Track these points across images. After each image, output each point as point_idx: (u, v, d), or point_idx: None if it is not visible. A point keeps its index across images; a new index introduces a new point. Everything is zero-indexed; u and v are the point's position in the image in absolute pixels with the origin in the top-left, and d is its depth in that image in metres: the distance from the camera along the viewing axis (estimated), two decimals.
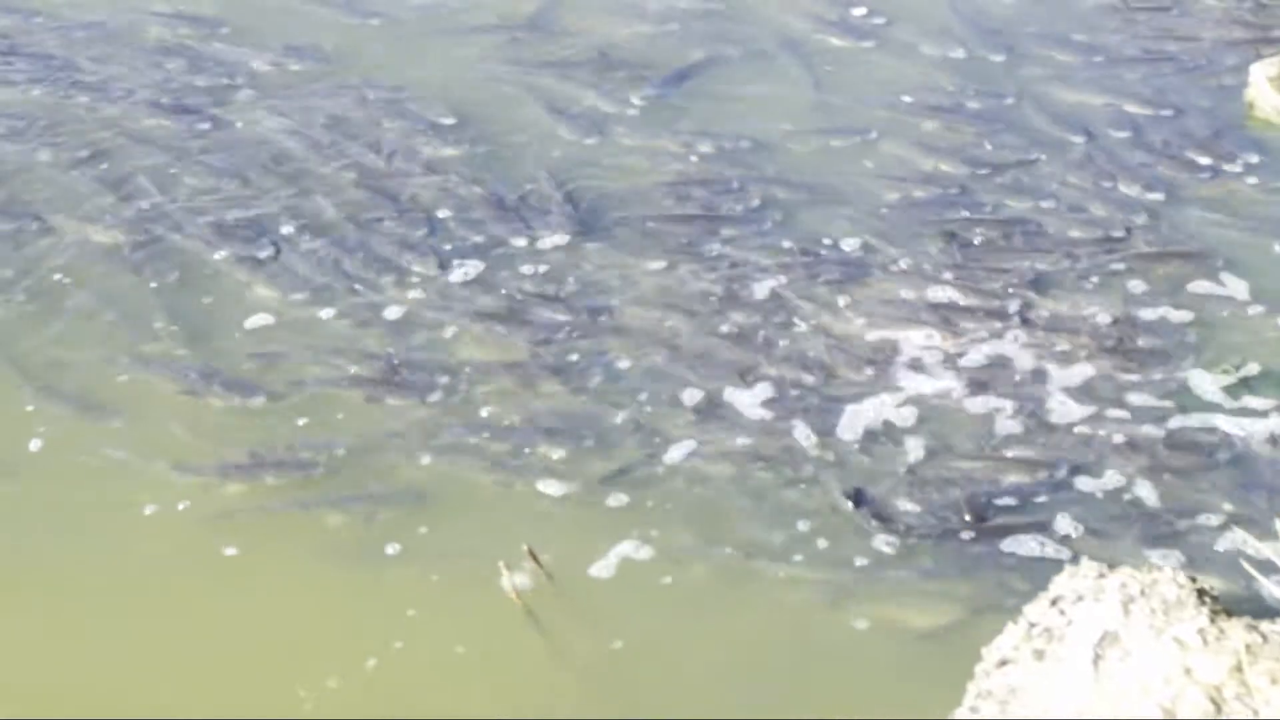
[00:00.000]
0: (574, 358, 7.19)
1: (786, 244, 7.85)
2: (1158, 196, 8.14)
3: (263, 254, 7.78)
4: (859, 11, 9.91)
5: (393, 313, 7.48)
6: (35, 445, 6.76)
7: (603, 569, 6.19)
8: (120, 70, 9.46)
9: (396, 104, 9.08)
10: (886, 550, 6.21)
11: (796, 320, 7.37)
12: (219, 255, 7.84)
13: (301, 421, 6.88)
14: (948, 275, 7.59)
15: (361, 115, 9.01)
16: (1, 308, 7.56)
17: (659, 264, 7.74)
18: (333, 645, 5.90)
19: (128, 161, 8.57)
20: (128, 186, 8.35)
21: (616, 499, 6.50)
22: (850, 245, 7.82)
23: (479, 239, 7.93)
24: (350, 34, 9.85)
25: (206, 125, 8.84)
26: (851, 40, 9.63)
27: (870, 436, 6.76)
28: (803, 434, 6.76)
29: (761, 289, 7.53)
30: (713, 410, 6.90)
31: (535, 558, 6.12)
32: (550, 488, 6.55)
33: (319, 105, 9.10)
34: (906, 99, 9.03)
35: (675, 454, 6.68)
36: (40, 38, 9.88)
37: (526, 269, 7.71)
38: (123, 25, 9.97)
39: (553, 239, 7.89)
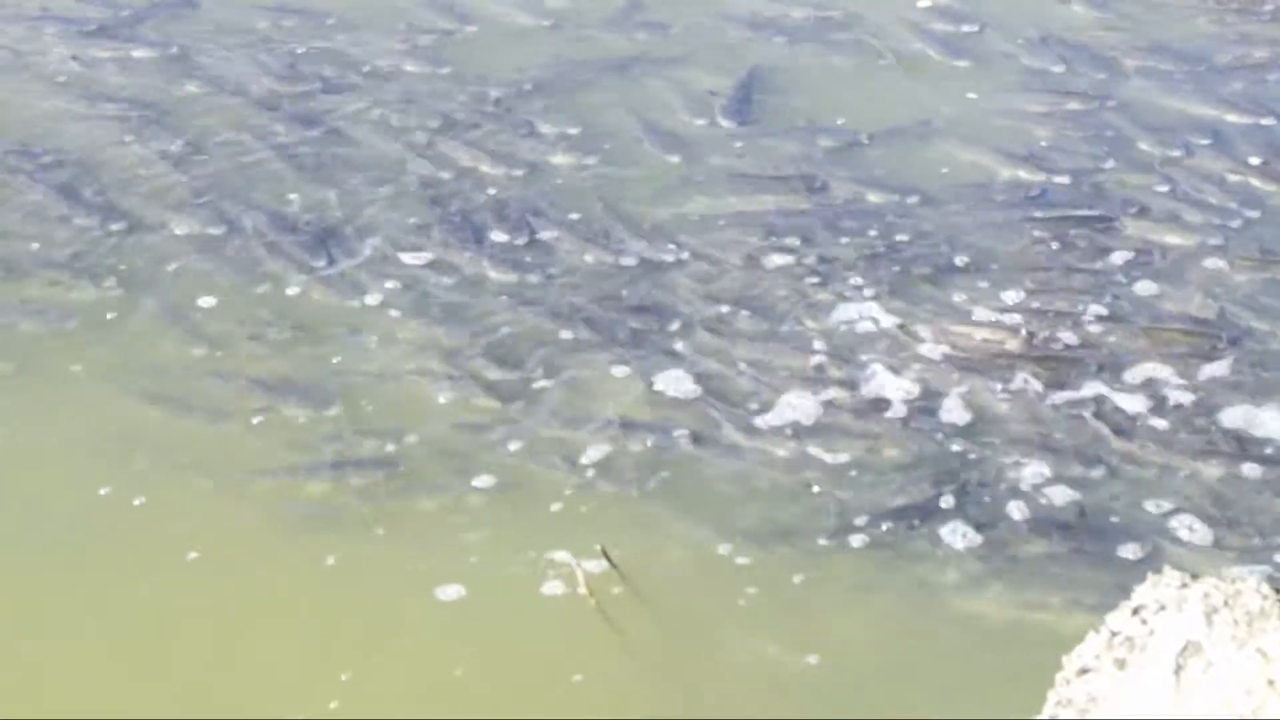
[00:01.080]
0: (640, 354, 7.15)
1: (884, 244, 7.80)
2: (1254, 211, 8.03)
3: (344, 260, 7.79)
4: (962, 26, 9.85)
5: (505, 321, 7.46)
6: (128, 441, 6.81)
7: (673, 566, 6.17)
8: (229, 63, 9.53)
9: (509, 108, 9.07)
10: (969, 550, 6.14)
11: (886, 317, 7.33)
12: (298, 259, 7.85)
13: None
14: (1037, 281, 7.52)
15: (472, 115, 9.00)
16: (94, 297, 7.61)
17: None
18: (413, 642, 5.89)
19: (223, 158, 8.61)
20: (220, 183, 8.40)
21: (682, 494, 6.47)
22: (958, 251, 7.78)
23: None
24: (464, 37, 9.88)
25: (316, 132, 8.79)
26: (947, 55, 9.54)
27: (966, 432, 6.69)
28: (880, 429, 6.71)
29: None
30: (784, 406, 6.85)
31: (608, 556, 6.08)
32: (615, 483, 6.52)
33: (430, 105, 9.09)
34: (1004, 104, 8.93)
35: (751, 446, 6.65)
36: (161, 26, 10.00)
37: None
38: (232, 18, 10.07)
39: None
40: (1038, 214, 8.03)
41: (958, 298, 7.47)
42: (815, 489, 6.48)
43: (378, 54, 9.57)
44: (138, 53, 9.57)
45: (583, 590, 6.01)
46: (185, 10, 10.15)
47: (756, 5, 10.09)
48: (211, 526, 6.27)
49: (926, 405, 6.84)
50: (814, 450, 6.63)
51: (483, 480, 6.55)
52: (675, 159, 8.56)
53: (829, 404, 6.86)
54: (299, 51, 9.61)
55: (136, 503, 6.38)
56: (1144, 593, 5.38)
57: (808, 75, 9.38)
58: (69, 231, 7.97)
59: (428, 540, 6.29)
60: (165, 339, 7.30)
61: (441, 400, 6.96)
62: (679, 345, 7.20)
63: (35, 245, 7.88)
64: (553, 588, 6.02)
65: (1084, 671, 5.19)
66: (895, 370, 7.01)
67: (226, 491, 6.46)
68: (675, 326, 7.31)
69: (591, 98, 9.14)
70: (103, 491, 6.42)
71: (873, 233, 7.91)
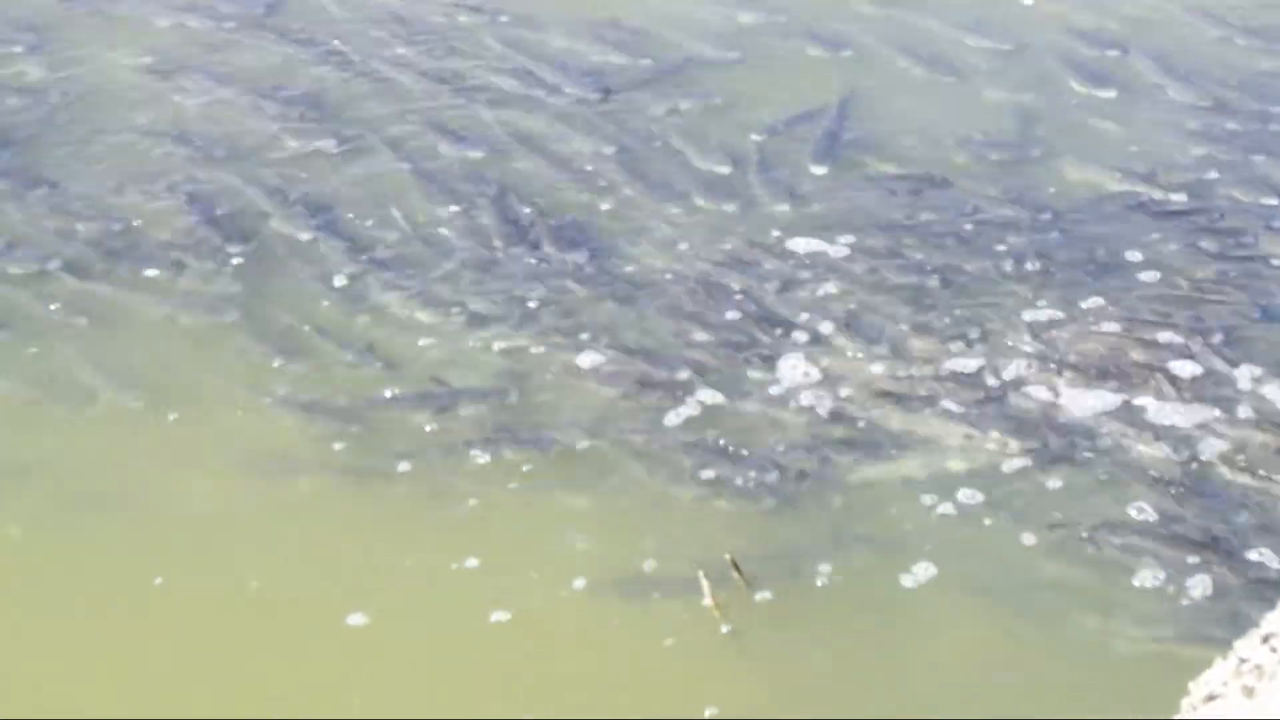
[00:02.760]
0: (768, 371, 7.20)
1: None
2: None
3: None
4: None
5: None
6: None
7: (807, 578, 6.19)
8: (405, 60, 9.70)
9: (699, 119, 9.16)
10: (1100, 570, 6.14)
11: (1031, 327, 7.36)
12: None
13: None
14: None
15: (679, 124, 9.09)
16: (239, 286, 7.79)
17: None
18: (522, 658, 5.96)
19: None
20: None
21: (812, 508, 6.50)
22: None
23: None
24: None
25: (480, 152, 8.84)
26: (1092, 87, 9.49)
27: (1110, 453, 6.69)
28: (1026, 448, 6.72)
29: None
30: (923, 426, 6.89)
31: (737, 567, 6.11)
32: (743, 500, 6.56)
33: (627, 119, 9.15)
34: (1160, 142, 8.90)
35: (876, 467, 6.68)
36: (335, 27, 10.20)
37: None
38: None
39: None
40: None
41: None
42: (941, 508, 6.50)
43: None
44: None
45: (708, 602, 6.04)
46: None
47: None
48: None
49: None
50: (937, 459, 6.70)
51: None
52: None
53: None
54: None
55: None
56: (1274, 620, 5.31)
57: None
58: None
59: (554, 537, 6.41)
60: None
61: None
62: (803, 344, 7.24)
63: None
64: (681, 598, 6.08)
65: (1211, 698, 5.12)
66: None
67: None
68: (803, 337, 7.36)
69: None
70: None
71: None
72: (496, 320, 7.52)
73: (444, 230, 8.16)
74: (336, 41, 9.94)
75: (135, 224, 8.21)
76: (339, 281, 7.80)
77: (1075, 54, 9.78)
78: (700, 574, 6.06)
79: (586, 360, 7.26)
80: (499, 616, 6.02)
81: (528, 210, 8.25)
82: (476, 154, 8.78)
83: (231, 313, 7.61)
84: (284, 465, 6.73)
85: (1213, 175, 8.53)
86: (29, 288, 7.79)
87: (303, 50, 9.86)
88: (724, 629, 5.96)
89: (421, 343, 7.42)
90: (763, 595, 6.08)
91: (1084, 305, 7.53)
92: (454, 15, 10.32)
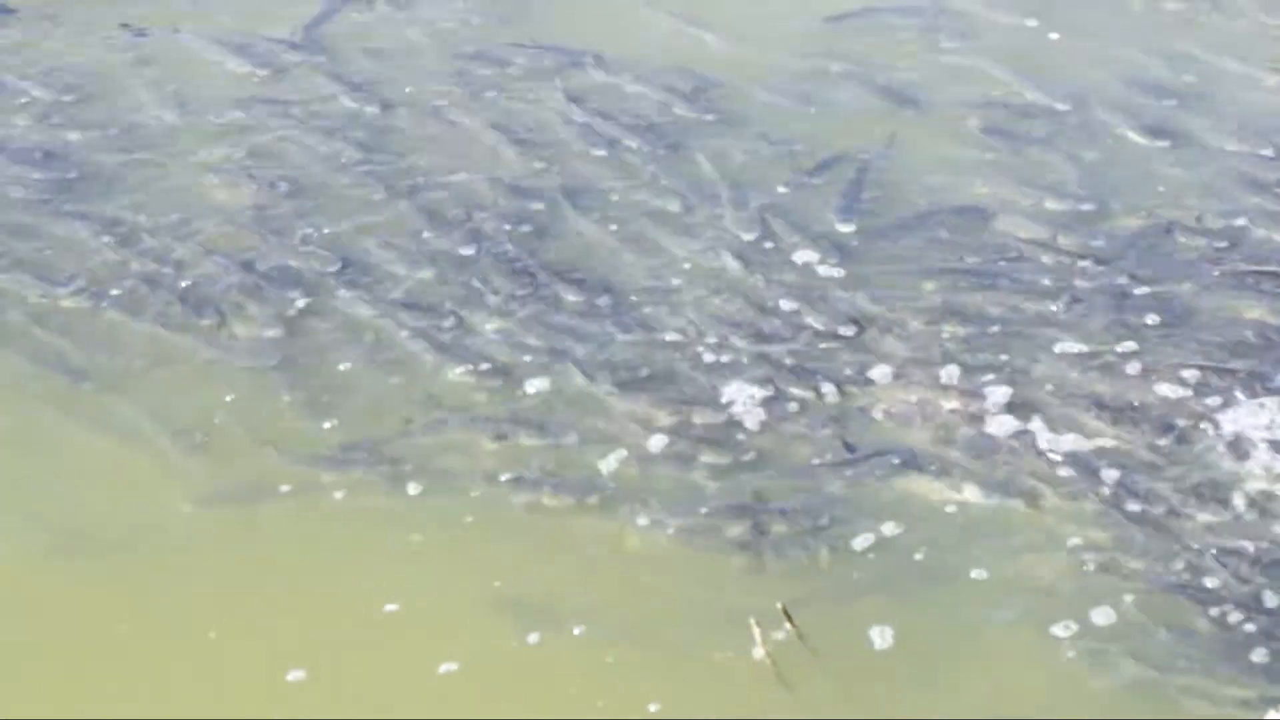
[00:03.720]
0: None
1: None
2: None
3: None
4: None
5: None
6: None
7: (859, 633, 6.11)
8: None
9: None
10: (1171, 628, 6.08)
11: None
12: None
13: None
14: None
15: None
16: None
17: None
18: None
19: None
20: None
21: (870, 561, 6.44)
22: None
23: None
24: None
25: (538, 204, 8.76)
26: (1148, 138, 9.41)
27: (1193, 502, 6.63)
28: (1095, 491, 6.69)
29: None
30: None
31: (789, 617, 6.02)
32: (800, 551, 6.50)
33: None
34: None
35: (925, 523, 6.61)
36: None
37: None
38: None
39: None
40: None
41: None
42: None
43: None
44: None
45: (760, 653, 5.95)
46: None
47: None
48: None
49: None
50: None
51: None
52: None
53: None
54: None
55: None
56: None
57: None
58: None
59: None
60: None
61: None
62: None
63: None
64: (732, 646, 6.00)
65: None
66: None
67: None
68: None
69: None
70: None
71: None
72: (539, 368, 7.49)
73: (492, 282, 8.10)
74: (410, 89, 9.94)
75: (191, 265, 8.23)
76: (387, 329, 7.78)
77: (1131, 103, 9.73)
78: (752, 622, 5.98)
79: (626, 404, 7.23)
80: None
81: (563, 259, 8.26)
82: (536, 205, 8.71)
83: (274, 358, 7.58)
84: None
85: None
86: (84, 323, 7.83)
87: (366, 95, 9.89)
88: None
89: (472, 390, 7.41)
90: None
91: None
92: (512, 60, 10.34)
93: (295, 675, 5.93)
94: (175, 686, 5.97)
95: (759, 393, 7.24)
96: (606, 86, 9.92)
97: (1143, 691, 5.84)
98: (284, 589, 6.37)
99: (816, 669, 5.92)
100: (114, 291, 8.00)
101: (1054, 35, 10.41)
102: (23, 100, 9.76)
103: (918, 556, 6.41)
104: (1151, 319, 7.64)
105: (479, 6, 11.00)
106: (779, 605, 6.02)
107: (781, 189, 8.82)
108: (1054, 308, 7.76)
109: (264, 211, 8.68)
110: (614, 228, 8.48)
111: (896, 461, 6.84)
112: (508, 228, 8.45)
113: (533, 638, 6.10)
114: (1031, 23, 10.53)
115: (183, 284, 8.05)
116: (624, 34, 10.56)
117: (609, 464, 6.89)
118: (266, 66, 10.21)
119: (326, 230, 8.52)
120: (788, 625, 6.01)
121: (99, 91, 9.92)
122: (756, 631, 5.96)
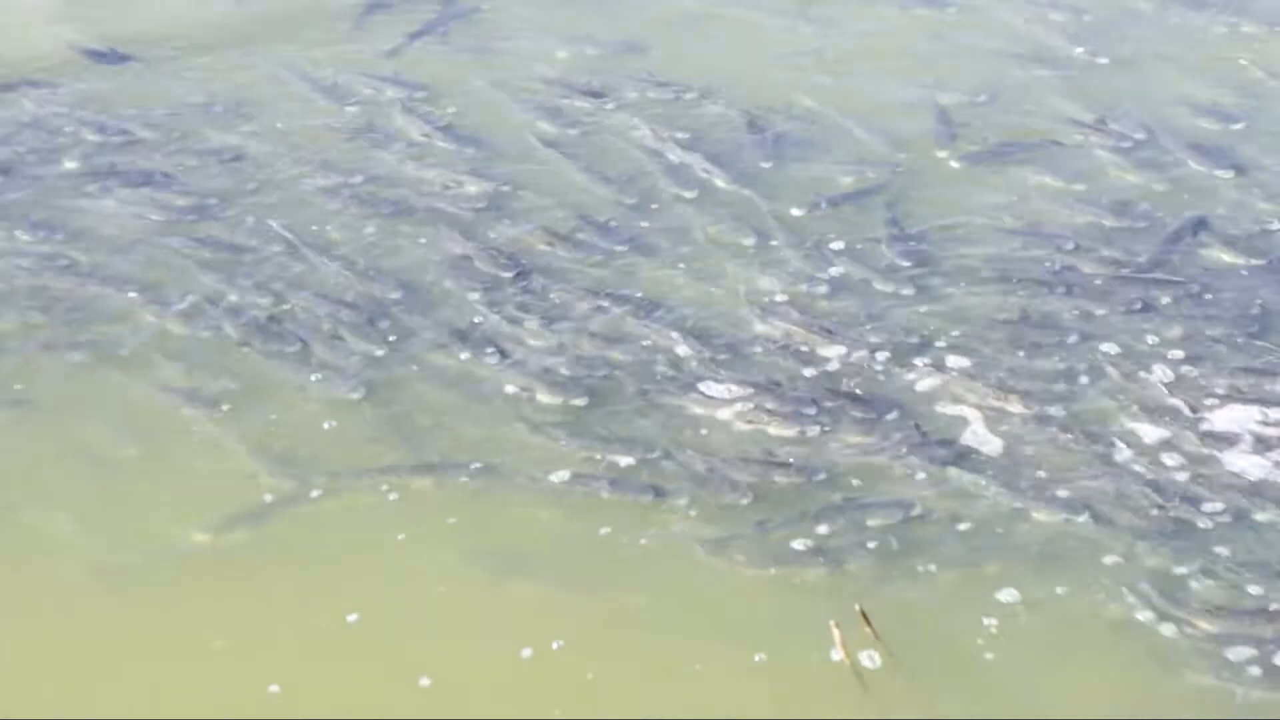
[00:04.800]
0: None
1: None
2: None
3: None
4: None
5: None
6: None
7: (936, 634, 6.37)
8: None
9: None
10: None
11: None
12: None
13: None
14: None
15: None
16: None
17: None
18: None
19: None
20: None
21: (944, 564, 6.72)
22: None
23: None
24: None
25: (623, 245, 8.97)
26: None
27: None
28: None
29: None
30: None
31: (867, 620, 6.26)
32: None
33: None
34: None
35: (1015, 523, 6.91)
36: None
37: None
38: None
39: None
40: None
41: None
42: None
43: None
44: None
45: (839, 654, 6.20)
46: None
47: None
48: None
49: None
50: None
51: None
52: None
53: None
54: None
55: None
56: None
57: None
58: None
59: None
60: None
61: None
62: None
63: None
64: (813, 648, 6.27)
65: None
66: None
67: None
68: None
69: None
70: None
71: None
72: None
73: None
74: (530, 138, 10.17)
75: (301, 298, 8.55)
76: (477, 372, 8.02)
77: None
78: (832, 624, 6.22)
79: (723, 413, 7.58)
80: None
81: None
82: (620, 246, 8.94)
83: (360, 391, 7.83)
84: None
85: None
86: (201, 350, 8.16)
87: (466, 126, 10.23)
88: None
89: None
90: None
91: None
92: (623, 91, 10.67)
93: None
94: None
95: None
96: (706, 120, 10.25)
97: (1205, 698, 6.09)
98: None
99: (895, 670, 6.18)
100: (218, 314, 8.36)
101: None
102: (127, 139, 10.13)
103: (990, 566, 6.69)
104: None
105: (600, 34, 11.42)
106: (857, 608, 6.27)
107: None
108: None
109: (355, 241, 9.03)
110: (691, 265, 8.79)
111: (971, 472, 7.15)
112: (591, 268, 8.74)
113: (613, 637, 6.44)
114: None
115: (280, 311, 8.40)
116: (738, 69, 10.91)
117: (688, 470, 7.23)
118: (363, 100, 10.60)
119: (405, 260, 8.87)
120: (866, 629, 6.26)
121: (207, 125, 10.35)
122: (836, 634, 6.21)
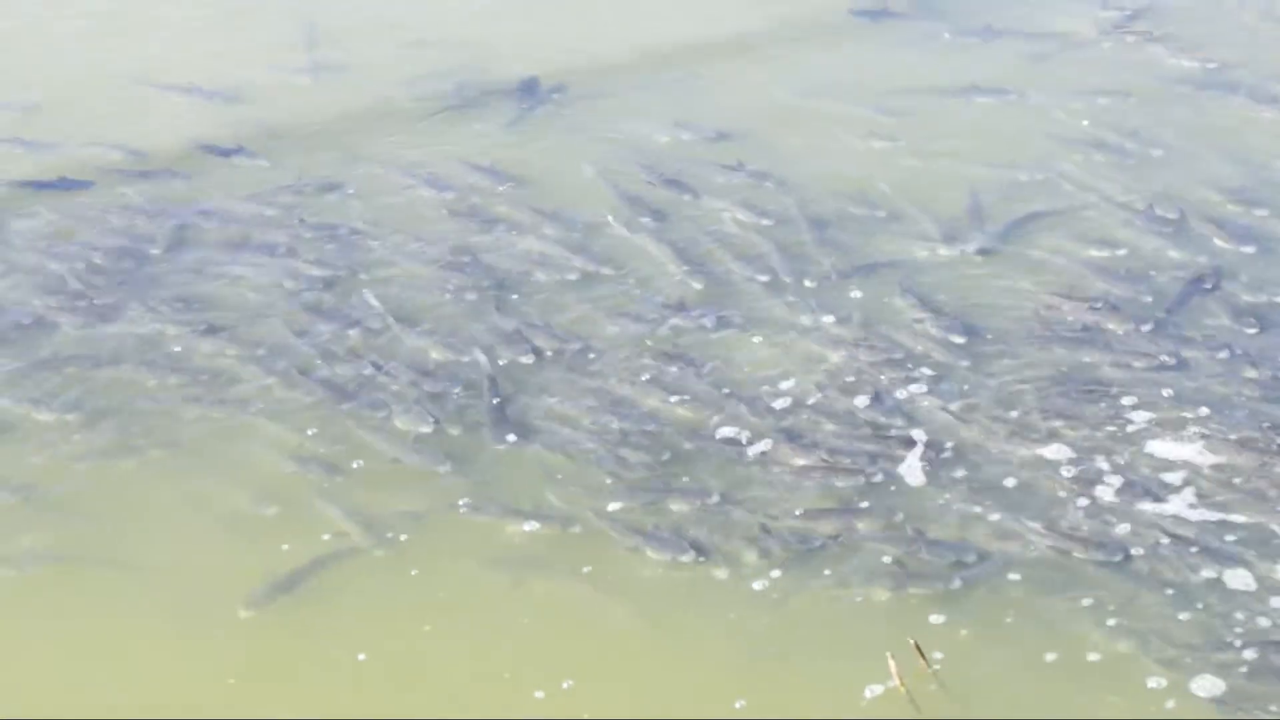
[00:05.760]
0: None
1: None
2: None
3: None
4: None
5: None
6: None
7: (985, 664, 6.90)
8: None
9: None
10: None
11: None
12: None
13: None
14: None
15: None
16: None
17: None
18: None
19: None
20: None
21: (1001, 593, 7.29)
22: None
23: None
24: None
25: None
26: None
27: None
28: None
29: None
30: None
31: (920, 651, 6.82)
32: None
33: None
34: None
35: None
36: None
37: None
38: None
39: None
40: None
41: None
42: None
43: None
44: None
45: (895, 682, 6.75)
46: None
47: None
48: None
49: None
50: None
51: None
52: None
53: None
54: None
55: None
56: None
57: None
58: None
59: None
60: None
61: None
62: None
63: None
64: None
65: None
66: None
67: None
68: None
69: None
70: None
71: None
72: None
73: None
74: (606, 201, 10.82)
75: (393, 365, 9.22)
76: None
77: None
78: (889, 655, 6.76)
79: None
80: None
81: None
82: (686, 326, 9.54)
83: (446, 464, 8.42)
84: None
85: None
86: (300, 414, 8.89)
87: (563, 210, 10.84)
88: None
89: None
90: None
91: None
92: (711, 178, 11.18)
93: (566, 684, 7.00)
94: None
95: None
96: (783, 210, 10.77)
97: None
98: None
99: (949, 699, 6.73)
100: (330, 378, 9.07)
101: None
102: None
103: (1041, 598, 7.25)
104: None
105: (696, 121, 11.98)
106: (910, 641, 6.84)
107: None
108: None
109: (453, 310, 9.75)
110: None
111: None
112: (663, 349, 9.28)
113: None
114: None
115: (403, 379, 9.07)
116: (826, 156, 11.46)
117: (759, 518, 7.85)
118: (462, 192, 11.22)
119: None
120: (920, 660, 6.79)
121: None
122: (893, 664, 6.76)
